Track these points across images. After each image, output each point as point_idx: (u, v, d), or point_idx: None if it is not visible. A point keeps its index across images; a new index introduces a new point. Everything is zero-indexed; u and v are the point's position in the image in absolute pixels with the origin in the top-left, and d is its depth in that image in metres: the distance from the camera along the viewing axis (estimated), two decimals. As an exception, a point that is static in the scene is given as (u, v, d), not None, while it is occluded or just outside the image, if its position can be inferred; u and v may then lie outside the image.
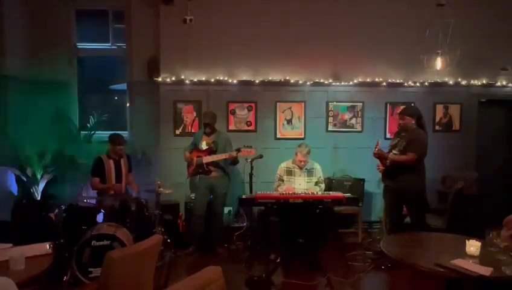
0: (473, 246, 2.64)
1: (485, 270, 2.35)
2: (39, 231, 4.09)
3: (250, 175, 4.60)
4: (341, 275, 4.03)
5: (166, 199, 4.94)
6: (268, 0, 5.54)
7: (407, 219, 4.39)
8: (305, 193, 4.41)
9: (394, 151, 4.18)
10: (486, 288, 2.46)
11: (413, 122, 4.20)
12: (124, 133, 5.44)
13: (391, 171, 4.17)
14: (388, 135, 5.66)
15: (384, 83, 5.73)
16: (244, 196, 4.30)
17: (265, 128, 5.67)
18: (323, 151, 5.56)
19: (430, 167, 4.27)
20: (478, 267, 2.41)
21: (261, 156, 4.64)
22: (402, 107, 4.82)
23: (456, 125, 5.91)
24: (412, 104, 5.42)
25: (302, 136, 5.66)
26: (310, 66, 5.62)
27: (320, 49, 5.56)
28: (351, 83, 5.70)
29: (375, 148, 4.19)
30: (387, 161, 4.15)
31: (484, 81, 5.85)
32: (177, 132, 5.59)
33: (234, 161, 4.66)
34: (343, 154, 5.75)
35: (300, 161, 4.66)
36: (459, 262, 2.45)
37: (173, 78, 5.50)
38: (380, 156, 4.22)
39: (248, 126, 5.66)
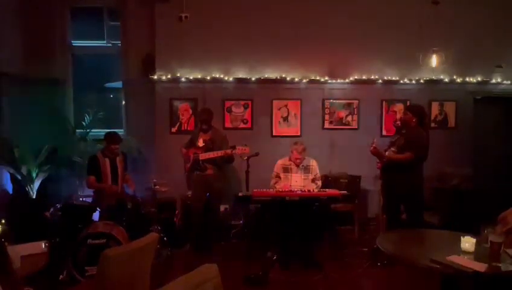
0: (467, 243, 2.65)
1: (480, 267, 2.36)
2: (34, 229, 4.06)
3: (247, 173, 4.61)
4: (337, 272, 4.05)
5: (162, 196, 4.93)
6: (264, -2, 5.54)
7: (403, 215, 4.41)
8: (302, 190, 4.42)
9: (392, 149, 4.18)
10: (481, 284, 2.48)
11: (414, 120, 4.18)
12: (120, 131, 5.42)
13: (388, 169, 4.18)
14: (384, 132, 5.68)
15: (380, 81, 5.74)
16: (240, 194, 4.31)
17: (261, 126, 5.67)
18: (319, 149, 5.55)
19: (426, 164, 4.26)
20: (473, 263, 2.42)
21: (257, 154, 4.64)
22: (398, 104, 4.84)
23: (452, 122, 5.93)
24: (407, 102, 5.45)
25: (299, 134, 5.67)
26: (306, 63, 5.62)
27: (316, 47, 5.55)
28: (346, 80, 5.70)
29: (371, 146, 4.18)
30: (385, 159, 4.16)
31: (479, 79, 5.87)
32: (173, 129, 5.58)
33: (230, 159, 4.65)
34: (340, 151, 5.75)
35: (296, 158, 4.66)
36: (454, 258, 2.46)
37: (169, 76, 5.48)
38: (376, 154, 4.22)
39: (244, 124, 5.65)
